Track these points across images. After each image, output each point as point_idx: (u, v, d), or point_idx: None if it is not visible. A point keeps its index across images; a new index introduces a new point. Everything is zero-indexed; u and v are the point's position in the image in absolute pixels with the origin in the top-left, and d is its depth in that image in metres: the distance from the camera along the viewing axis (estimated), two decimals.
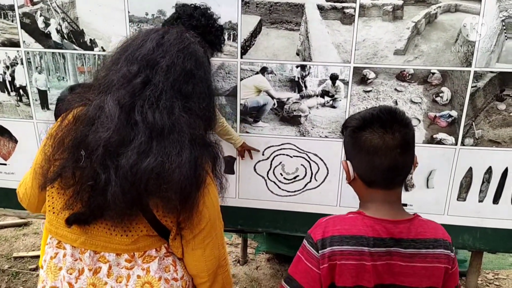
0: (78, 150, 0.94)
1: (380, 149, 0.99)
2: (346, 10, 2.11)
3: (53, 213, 1.05)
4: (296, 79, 2.26)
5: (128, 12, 2.24)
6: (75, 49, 2.35)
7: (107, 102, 0.96)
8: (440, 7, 2.06)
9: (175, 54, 1.02)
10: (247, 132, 2.38)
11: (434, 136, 2.25)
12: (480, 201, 2.33)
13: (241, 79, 2.30)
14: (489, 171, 2.28)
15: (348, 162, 1.07)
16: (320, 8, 2.14)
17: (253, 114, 2.36)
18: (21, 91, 2.47)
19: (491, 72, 2.11)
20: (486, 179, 2.29)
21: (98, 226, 1.02)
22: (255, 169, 2.46)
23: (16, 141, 2.60)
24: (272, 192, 2.47)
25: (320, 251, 0.98)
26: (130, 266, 1.03)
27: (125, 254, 1.02)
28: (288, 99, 2.31)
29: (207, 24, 1.87)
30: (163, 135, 0.95)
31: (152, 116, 0.95)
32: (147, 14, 2.22)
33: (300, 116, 2.32)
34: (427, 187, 2.34)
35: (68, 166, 0.97)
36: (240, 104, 2.34)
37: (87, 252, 1.03)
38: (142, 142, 0.93)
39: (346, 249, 0.97)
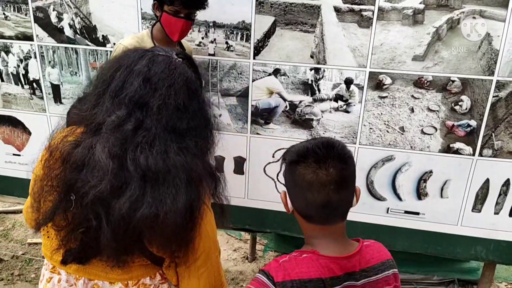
0: (68, 195, 0.91)
1: (312, 185, 0.95)
2: (364, 13, 2.03)
3: (48, 237, 1.04)
4: (310, 82, 2.20)
5: (141, 9, 2.20)
6: (87, 45, 2.33)
7: (97, 150, 0.90)
8: (463, 12, 1.96)
9: (165, 92, 0.95)
10: (258, 134, 2.34)
11: (451, 145, 2.17)
12: (496, 213, 2.26)
13: (253, 80, 2.25)
14: (507, 183, 2.19)
15: (286, 193, 1.04)
16: (337, 10, 2.06)
17: (264, 116, 2.31)
18: (34, 84, 2.48)
19: None
20: (504, 192, 2.21)
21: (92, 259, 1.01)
22: (264, 171, 2.42)
23: (29, 133, 2.62)
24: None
25: None
26: None
27: (118, 283, 1.01)
28: (300, 102, 2.25)
29: None
30: (158, 181, 0.91)
31: (146, 162, 0.90)
32: None
33: (312, 119, 2.27)
34: (441, 196, 2.28)
35: (59, 210, 0.94)
36: (252, 105, 2.29)
37: (81, 279, 1.02)
38: (135, 191, 0.89)
39: None
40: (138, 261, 1.00)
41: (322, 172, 0.95)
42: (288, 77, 2.22)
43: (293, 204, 1.03)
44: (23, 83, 2.49)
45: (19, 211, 3.60)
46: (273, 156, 2.39)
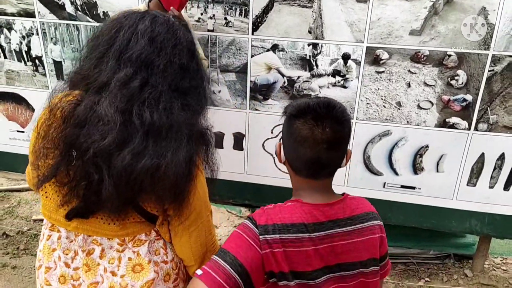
0: (69, 151, 0.94)
1: (306, 141, 0.99)
2: None
3: (46, 197, 1.08)
4: (308, 57, 2.23)
5: None
6: (88, 21, 2.36)
7: (103, 106, 0.94)
8: None
9: (170, 51, 0.99)
10: (256, 110, 2.38)
11: (447, 120, 2.20)
12: (491, 187, 2.30)
13: (252, 56, 2.28)
14: (501, 157, 2.23)
15: (281, 144, 1.09)
16: None
17: (263, 92, 2.35)
18: (37, 61, 2.52)
19: (510, 56, 2.02)
20: (498, 166, 2.25)
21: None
22: (263, 147, 2.47)
23: (33, 110, 2.67)
24: (279, 169, 2.48)
25: (261, 236, 0.99)
26: (121, 249, 1.07)
27: (116, 238, 1.06)
28: (298, 77, 2.28)
29: None
30: (160, 136, 0.95)
31: (150, 116, 0.94)
32: None
33: (310, 95, 2.30)
34: (437, 171, 2.32)
35: (61, 166, 0.97)
36: (250, 81, 2.33)
37: (80, 235, 1.07)
38: (138, 144, 0.93)
39: (287, 237, 0.99)
40: (133, 218, 1.05)
41: (318, 130, 0.99)
42: (286, 52, 2.24)
43: (286, 155, 1.07)
44: (26, 60, 2.52)
45: (24, 189, 3.68)
46: (271, 132, 2.43)
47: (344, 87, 2.25)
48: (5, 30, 2.48)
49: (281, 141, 1.09)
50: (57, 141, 0.96)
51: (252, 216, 1.04)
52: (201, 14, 2.25)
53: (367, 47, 2.15)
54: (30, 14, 2.41)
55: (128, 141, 0.94)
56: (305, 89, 2.29)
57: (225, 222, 3.31)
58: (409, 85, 2.18)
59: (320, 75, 2.26)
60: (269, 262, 0.99)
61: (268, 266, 0.99)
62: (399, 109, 2.23)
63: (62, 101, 0.99)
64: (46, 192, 1.09)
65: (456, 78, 2.13)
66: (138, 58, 0.98)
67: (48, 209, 1.09)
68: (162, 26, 1.02)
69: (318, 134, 0.99)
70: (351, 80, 2.23)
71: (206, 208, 1.12)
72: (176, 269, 1.15)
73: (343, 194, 1.09)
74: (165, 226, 1.09)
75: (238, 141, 2.49)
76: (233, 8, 2.20)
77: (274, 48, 2.24)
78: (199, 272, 0.96)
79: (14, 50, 2.51)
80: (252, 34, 2.23)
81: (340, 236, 1.03)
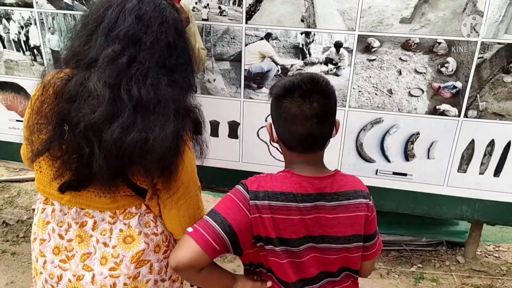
0: (62, 126, 0.99)
1: (297, 118, 1.04)
2: None
3: (40, 172, 1.13)
4: (300, 46, 2.27)
5: None
6: (85, 11, 2.40)
7: (92, 81, 0.98)
8: None
9: (157, 29, 1.03)
10: (250, 98, 2.42)
11: (437, 107, 2.24)
12: (481, 173, 2.34)
13: (246, 45, 2.32)
14: (491, 144, 2.26)
15: (272, 125, 1.13)
16: None
17: (257, 80, 2.39)
18: (35, 51, 2.56)
19: (499, 43, 2.06)
20: (488, 152, 2.29)
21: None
22: (258, 135, 2.51)
23: None
24: (274, 157, 2.52)
25: (251, 201, 1.04)
26: (113, 221, 1.11)
27: (107, 211, 1.11)
28: (292, 65, 2.32)
29: None
30: (148, 110, 0.99)
31: (138, 92, 0.98)
32: None
33: None
34: (428, 157, 2.35)
35: (54, 140, 1.02)
36: (245, 69, 2.36)
37: (73, 208, 1.11)
38: (127, 118, 0.97)
39: (276, 204, 1.04)
40: (123, 192, 1.09)
41: (306, 107, 1.03)
42: (279, 41, 2.28)
43: (278, 134, 1.12)
44: (24, 49, 2.57)
45: (24, 180, 3.73)
46: (265, 120, 2.47)
47: (337, 75, 2.29)
48: (4, 20, 2.52)
49: (271, 121, 1.14)
50: (50, 116, 1.01)
51: (245, 182, 1.09)
52: (196, 3, 2.29)
53: (358, 35, 2.18)
54: (28, 4, 2.45)
55: (117, 115, 0.98)
56: None
57: None
58: (400, 72, 2.22)
59: (313, 63, 2.30)
60: (258, 226, 1.03)
61: (256, 230, 1.04)
62: (390, 96, 2.27)
63: (55, 77, 1.04)
64: (40, 167, 1.13)
65: (446, 65, 2.16)
66: (125, 35, 1.02)
67: (42, 183, 1.13)
68: (149, 5, 1.07)
69: (307, 110, 1.03)
70: (343, 68, 2.27)
71: (195, 183, 1.16)
72: (166, 242, 1.19)
73: (335, 170, 1.13)
74: (155, 201, 1.13)
75: (233, 129, 2.53)
76: None
77: (268, 36, 2.28)
78: (189, 229, 1.01)
79: (13, 40, 2.56)
80: (246, 23, 2.27)
81: (326, 209, 1.07)
